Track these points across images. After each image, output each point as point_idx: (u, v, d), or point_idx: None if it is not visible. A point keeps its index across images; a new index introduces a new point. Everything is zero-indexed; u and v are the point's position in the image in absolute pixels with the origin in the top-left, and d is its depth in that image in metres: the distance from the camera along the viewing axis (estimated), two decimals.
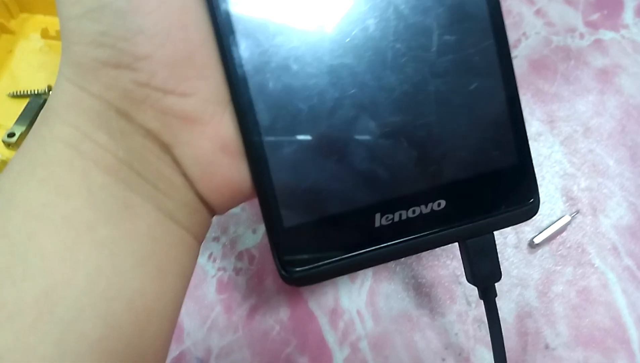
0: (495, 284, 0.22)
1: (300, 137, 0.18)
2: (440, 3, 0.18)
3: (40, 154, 0.16)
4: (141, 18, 0.16)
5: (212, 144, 0.18)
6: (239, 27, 0.17)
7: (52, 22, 0.36)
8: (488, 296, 0.22)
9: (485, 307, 0.23)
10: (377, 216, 0.19)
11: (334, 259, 0.19)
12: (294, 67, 0.18)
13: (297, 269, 0.19)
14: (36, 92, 0.33)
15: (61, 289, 0.15)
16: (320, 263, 0.19)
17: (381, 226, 0.19)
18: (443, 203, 0.19)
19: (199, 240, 0.19)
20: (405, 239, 0.19)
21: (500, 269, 0.22)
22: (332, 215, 0.19)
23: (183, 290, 0.19)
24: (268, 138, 0.18)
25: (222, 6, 0.17)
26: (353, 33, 0.18)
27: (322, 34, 0.18)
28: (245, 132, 0.18)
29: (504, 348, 0.23)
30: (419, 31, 0.18)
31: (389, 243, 0.19)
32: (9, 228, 0.15)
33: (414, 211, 0.19)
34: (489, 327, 0.23)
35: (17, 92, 0.33)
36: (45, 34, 0.36)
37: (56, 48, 0.36)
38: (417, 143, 0.19)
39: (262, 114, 0.18)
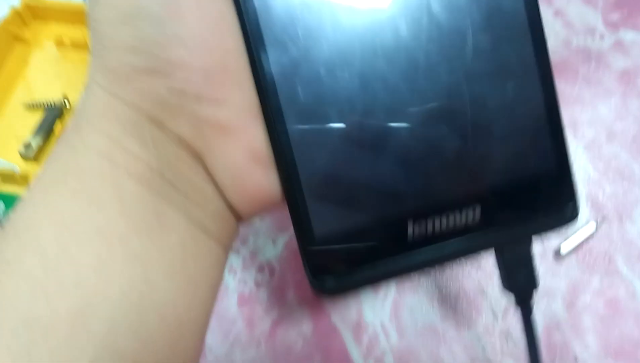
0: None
1: (330, 146, 0.18)
2: (477, 7, 0.18)
3: (72, 164, 0.16)
4: (177, 24, 0.16)
5: (245, 153, 0.17)
6: (267, 35, 0.17)
7: (66, 31, 0.36)
8: (526, 303, 0.22)
9: (522, 315, 0.22)
10: (410, 223, 0.18)
11: (366, 268, 0.19)
12: (323, 74, 0.17)
13: (329, 279, 0.19)
14: (52, 103, 0.33)
15: (95, 304, 0.15)
16: (353, 272, 0.19)
17: (414, 233, 0.18)
18: (479, 208, 0.18)
19: (227, 249, 0.19)
20: (438, 246, 0.19)
21: (537, 278, 0.21)
22: (363, 223, 0.18)
23: (212, 300, 0.19)
24: (298, 147, 0.18)
25: (251, 13, 0.17)
26: (384, 37, 0.18)
27: (352, 39, 0.18)
28: (274, 141, 0.17)
29: (539, 357, 0.22)
30: (454, 35, 0.18)
31: (422, 251, 0.19)
32: (41, 241, 0.15)
33: (447, 217, 0.18)
34: (526, 336, 0.22)
35: (33, 103, 0.33)
36: (59, 43, 0.36)
37: (71, 57, 0.35)
38: (452, 147, 0.18)
39: (292, 124, 0.17)
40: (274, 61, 0.17)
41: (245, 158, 0.17)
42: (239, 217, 0.19)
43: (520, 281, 0.21)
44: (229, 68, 0.17)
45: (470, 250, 0.20)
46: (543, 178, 0.19)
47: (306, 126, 0.18)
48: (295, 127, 0.18)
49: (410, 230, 0.18)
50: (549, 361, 0.27)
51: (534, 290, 0.21)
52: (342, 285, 0.19)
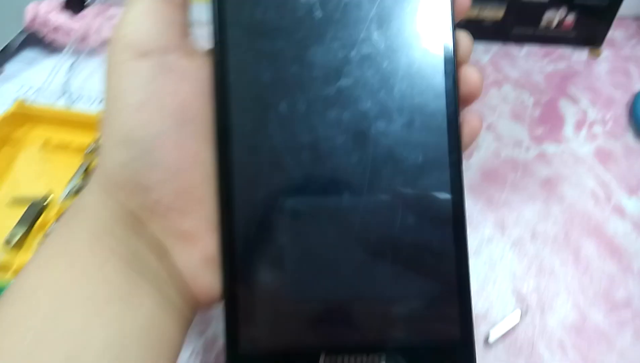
0: None
1: (265, 286, 0.22)
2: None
3: (68, 242, 0.20)
4: (160, 155, 0.20)
5: (200, 256, 0.22)
6: (237, 175, 0.21)
7: (53, 134, 0.40)
8: None
9: None
10: (322, 357, 0.21)
11: None
12: (276, 216, 0.22)
13: None
14: (36, 198, 0.36)
15: (77, 357, 0.18)
16: None
17: None
18: (383, 358, 0.21)
19: (189, 321, 0.23)
20: None
21: None
22: (284, 349, 0.21)
23: (174, 360, 0.22)
24: (243, 272, 0.21)
25: (225, 158, 0.21)
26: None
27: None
28: (223, 256, 0.21)
29: None
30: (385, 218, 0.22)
31: None
32: (40, 305, 0.19)
33: (355, 359, 0.21)
34: None
35: (17, 197, 0.37)
36: (46, 145, 0.40)
37: (55, 159, 0.39)
38: (367, 304, 0.22)
39: (242, 249, 0.21)
40: (237, 200, 0.21)
41: (200, 260, 0.22)
42: (198, 302, 0.23)
43: None
44: (195, 192, 0.21)
45: None
46: (446, 347, 0.22)
47: (254, 235, 0.22)
48: (243, 236, 0.21)
49: (321, 361, 0.21)
50: None
51: None
52: None
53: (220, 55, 0.21)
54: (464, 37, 0.24)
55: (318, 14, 0.22)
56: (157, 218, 0.21)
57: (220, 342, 0.32)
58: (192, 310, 0.23)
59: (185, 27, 0.22)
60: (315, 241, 0.22)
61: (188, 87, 0.21)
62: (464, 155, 0.23)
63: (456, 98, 0.22)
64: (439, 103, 0.22)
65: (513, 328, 0.34)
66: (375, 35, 0.22)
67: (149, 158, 0.20)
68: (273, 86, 0.22)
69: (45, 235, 0.35)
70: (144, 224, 0.21)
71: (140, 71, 0.20)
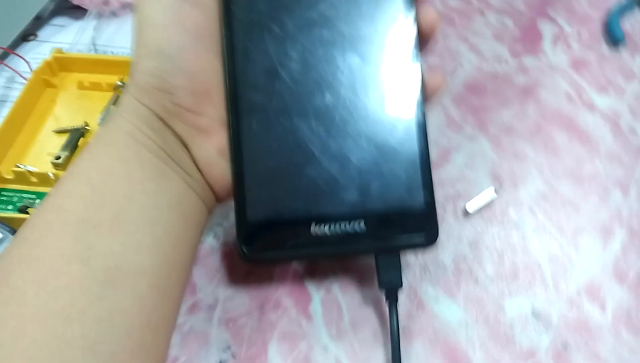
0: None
1: (267, 161, 0.27)
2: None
3: (109, 138, 0.26)
4: (182, 62, 0.25)
5: (214, 148, 0.27)
6: (241, 79, 0.27)
7: (85, 77, 0.47)
8: (391, 299, 0.29)
9: (388, 309, 0.29)
10: (313, 224, 0.27)
11: (276, 250, 0.27)
12: (272, 111, 0.27)
13: (249, 251, 0.27)
14: (75, 127, 0.43)
15: (124, 214, 0.23)
16: (269, 252, 0.27)
17: (315, 232, 0.27)
18: (362, 222, 0.27)
19: (209, 209, 0.28)
20: (333, 244, 0.27)
21: (401, 279, 0.29)
22: (282, 218, 0.27)
23: (198, 235, 0.28)
24: (246, 148, 0.27)
25: (232, 65, 0.27)
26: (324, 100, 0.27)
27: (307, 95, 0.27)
28: (231, 146, 0.27)
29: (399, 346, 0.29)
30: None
31: (319, 246, 0.27)
32: (91, 179, 0.24)
33: (340, 224, 0.27)
34: (390, 326, 0.29)
35: (60, 129, 0.43)
36: (80, 86, 0.46)
37: (89, 96, 0.46)
38: (348, 179, 0.27)
39: (244, 130, 0.27)
40: (241, 96, 0.27)
41: (215, 151, 0.27)
42: (215, 194, 0.28)
43: (388, 283, 0.29)
44: (210, 94, 0.26)
45: (353, 252, 0.29)
46: (414, 209, 0.27)
47: (254, 129, 0.27)
48: (246, 131, 0.27)
49: (312, 229, 0.27)
50: (457, 282, 0.35)
51: (399, 290, 0.29)
52: (260, 258, 0.27)
53: None
54: None
55: None
56: (179, 117, 0.26)
57: None
58: (211, 197, 0.28)
59: None
60: (303, 131, 0.27)
61: (202, 12, 0.26)
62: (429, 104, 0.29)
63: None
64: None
65: (489, 203, 0.39)
66: None
67: (173, 65, 0.25)
68: (267, 11, 0.27)
69: None
70: (167, 124, 0.26)
71: None
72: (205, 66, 0.26)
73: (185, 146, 0.26)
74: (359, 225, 0.27)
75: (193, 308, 0.34)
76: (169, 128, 0.26)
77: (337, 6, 0.27)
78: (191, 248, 0.27)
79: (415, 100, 0.28)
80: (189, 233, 0.27)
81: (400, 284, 0.29)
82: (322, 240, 0.27)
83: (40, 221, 0.23)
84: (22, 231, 0.23)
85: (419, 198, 0.27)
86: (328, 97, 0.27)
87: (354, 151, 0.27)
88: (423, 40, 0.28)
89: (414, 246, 0.28)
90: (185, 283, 0.27)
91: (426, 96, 0.28)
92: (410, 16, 0.28)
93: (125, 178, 0.24)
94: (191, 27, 0.26)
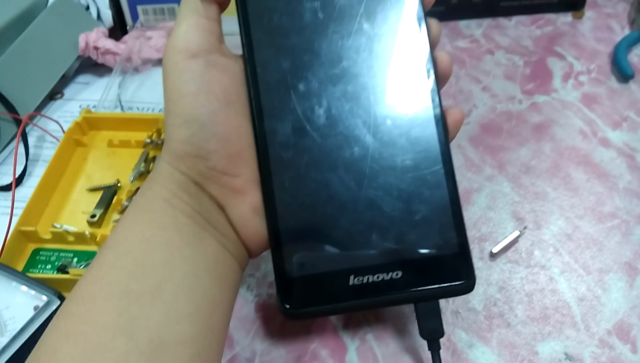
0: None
1: (302, 216, 0.27)
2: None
3: (146, 206, 0.26)
4: (214, 128, 0.26)
5: (249, 208, 0.27)
6: (271, 141, 0.27)
7: (114, 135, 0.48)
8: (434, 348, 0.29)
9: (432, 358, 0.29)
10: (352, 277, 0.27)
11: (318, 305, 0.27)
12: (303, 166, 0.27)
13: (291, 307, 0.27)
14: (108, 185, 0.44)
15: (165, 283, 0.24)
16: (309, 306, 0.27)
17: (354, 284, 0.26)
18: (400, 273, 0.27)
19: (242, 267, 0.29)
20: (371, 295, 0.27)
21: (442, 327, 0.28)
22: (321, 273, 0.27)
23: (234, 296, 0.28)
24: (281, 207, 0.27)
25: (261, 124, 0.27)
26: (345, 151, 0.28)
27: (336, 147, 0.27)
28: (265, 205, 0.27)
29: None
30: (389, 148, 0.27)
31: (360, 298, 0.26)
32: (131, 249, 0.25)
33: (378, 275, 0.27)
34: None
35: (93, 188, 0.45)
36: (110, 144, 0.48)
37: (119, 153, 0.47)
38: (382, 230, 0.27)
39: (278, 193, 0.27)
40: (270, 147, 0.27)
41: (249, 210, 0.27)
42: (249, 250, 0.29)
43: (430, 333, 0.29)
44: (242, 155, 0.27)
45: (392, 302, 0.28)
46: (450, 255, 0.27)
47: (286, 186, 0.27)
48: (279, 188, 0.27)
49: (351, 282, 0.26)
50: (489, 327, 0.35)
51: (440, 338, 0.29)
52: (301, 314, 0.27)
53: (248, 53, 0.28)
54: (434, 23, 0.29)
55: (320, 15, 0.28)
56: (214, 180, 0.26)
57: (269, 278, 0.39)
58: (245, 255, 0.29)
59: (220, 35, 0.28)
60: (334, 184, 0.27)
61: (228, 78, 0.27)
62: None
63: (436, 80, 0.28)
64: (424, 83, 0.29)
65: (514, 243, 0.40)
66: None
67: (205, 131, 0.25)
68: (291, 71, 0.28)
69: (120, 212, 0.42)
70: (203, 188, 0.26)
71: (193, 67, 0.26)
72: (236, 128, 0.27)
73: (220, 207, 0.27)
74: (397, 275, 0.27)
75: (232, 362, 0.34)
76: (205, 192, 0.26)
77: (359, 60, 0.28)
78: (228, 312, 0.27)
79: (441, 143, 0.28)
80: (226, 296, 0.27)
81: (442, 333, 0.29)
82: (362, 292, 0.27)
83: (83, 294, 0.23)
84: (67, 306, 0.23)
85: (454, 243, 0.27)
86: (356, 150, 0.27)
87: (385, 201, 0.27)
88: (439, 83, 0.29)
89: (453, 293, 0.28)
90: (223, 347, 0.27)
91: (449, 134, 0.28)
92: (430, 62, 0.28)
93: (164, 246, 0.25)
94: (220, 93, 0.26)
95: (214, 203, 0.27)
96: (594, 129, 0.49)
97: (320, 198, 0.27)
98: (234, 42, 0.29)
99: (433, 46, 0.29)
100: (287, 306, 0.27)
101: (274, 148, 0.27)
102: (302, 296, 0.27)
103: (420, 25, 0.29)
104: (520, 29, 0.61)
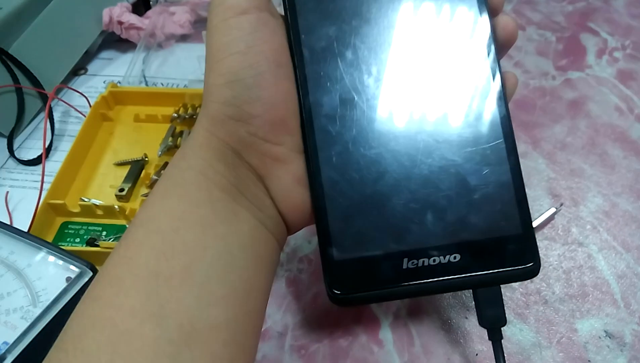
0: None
1: (351, 194, 0.24)
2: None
3: (179, 179, 0.24)
4: (259, 91, 0.24)
5: (291, 178, 0.25)
6: (315, 108, 0.25)
7: (141, 110, 0.48)
8: (495, 337, 0.27)
9: (493, 348, 0.27)
10: (405, 260, 0.24)
11: (369, 290, 0.24)
12: (351, 140, 0.25)
13: (340, 293, 0.24)
14: (135, 160, 0.44)
15: (196, 264, 0.22)
16: (359, 292, 0.24)
17: (408, 268, 0.24)
18: (458, 256, 0.24)
19: (280, 244, 0.26)
20: (426, 280, 0.24)
21: (505, 315, 0.26)
22: (373, 256, 0.24)
23: (272, 277, 0.26)
24: (326, 179, 0.25)
25: (307, 94, 0.25)
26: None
27: (385, 124, 0.25)
28: (311, 182, 0.25)
29: None
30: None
31: (412, 283, 0.24)
32: (161, 227, 0.22)
33: (435, 259, 0.24)
34: None
35: (120, 162, 0.44)
36: (136, 119, 0.47)
37: (146, 128, 0.47)
38: (439, 210, 0.24)
39: (325, 168, 0.25)
40: (316, 125, 0.25)
41: (292, 180, 0.25)
42: (287, 226, 0.26)
43: (492, 321, 0.26)
44: (287, 122, 0.25)
45: (448, 288, 0.24)
46: (513, 237, 0.24)
47: (334, 161, 0.25)
48: (325, 164, 0.25)
49: (404, 265, 0.24)
50: (526, 304, 0.35)
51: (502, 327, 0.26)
52: (350, 300, 0.24)
53: (291, 17, 0.25)
54: None
55: None
56: (254, 147, 0.24)
57: (299, 254, 0.38)
58: (283, 232, 0.26)
59: None
60: (386, 160, 0.25)
61: (278, 38, 0.25)
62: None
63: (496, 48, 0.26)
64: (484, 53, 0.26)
65: (550, 220, 0.39)
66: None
67: (250, 93, 0.23)
68: (337, 38, 0.25)
69: (149, 186, 0.42)
70: (242, 157, 0.24)
71: (243, 24, 0.24)
72: (282, 93, 0.25)
73: (259, 178, 0.25)
74: (455, 258, 0.24)
75: (264, 336, 0.34)
76: (243, 161, 0.25)
77: (412, 25, 0.26)
78: (265, 293, 0.25)
79: (502, 116, 0.25)
80: (263, 276, 0.25)
81: (504, 321, 0.26)
82: (417, 276, 0.24)
83: (111, 276, 0.22)
84: (94, 288, 0.22)
85: (517, 224, 0.24)
86: (410, 123, 0.25)
87: (442, 177, 0.25)
88: (502, 49, 0.27)
89: (517, 278, 0.25)
90: (259, 332, 0.25)
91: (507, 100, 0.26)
92: (489, 28, 0.26)
93: (196, 224, 0.23)
94: (270, 54, 0.24)
95: (253, 173, 0.25)
96: (630, 106, 0.47)
97: (371, 174, 0.25)
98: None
99: (494, 12, 0.26)
100: (337, 292, 0.24)
101: (320, 120, 0.25)
102: (352, 281, 0.24)
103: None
104: (551, 5, 0.60)
